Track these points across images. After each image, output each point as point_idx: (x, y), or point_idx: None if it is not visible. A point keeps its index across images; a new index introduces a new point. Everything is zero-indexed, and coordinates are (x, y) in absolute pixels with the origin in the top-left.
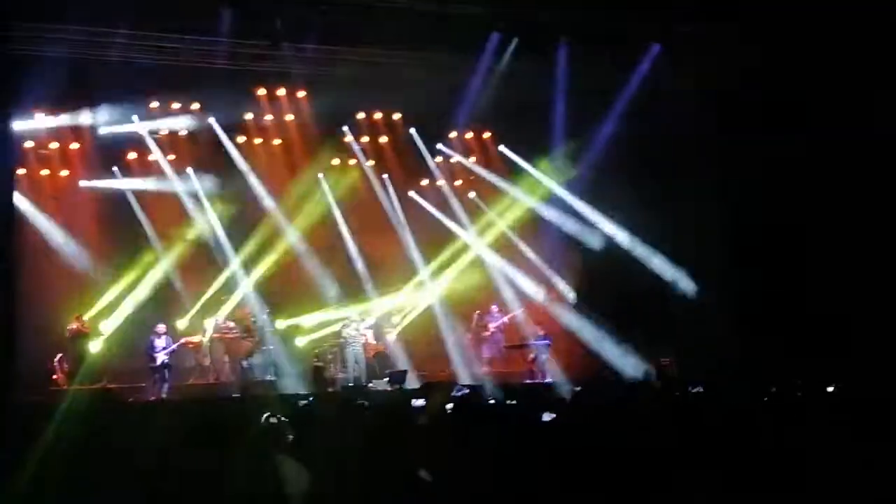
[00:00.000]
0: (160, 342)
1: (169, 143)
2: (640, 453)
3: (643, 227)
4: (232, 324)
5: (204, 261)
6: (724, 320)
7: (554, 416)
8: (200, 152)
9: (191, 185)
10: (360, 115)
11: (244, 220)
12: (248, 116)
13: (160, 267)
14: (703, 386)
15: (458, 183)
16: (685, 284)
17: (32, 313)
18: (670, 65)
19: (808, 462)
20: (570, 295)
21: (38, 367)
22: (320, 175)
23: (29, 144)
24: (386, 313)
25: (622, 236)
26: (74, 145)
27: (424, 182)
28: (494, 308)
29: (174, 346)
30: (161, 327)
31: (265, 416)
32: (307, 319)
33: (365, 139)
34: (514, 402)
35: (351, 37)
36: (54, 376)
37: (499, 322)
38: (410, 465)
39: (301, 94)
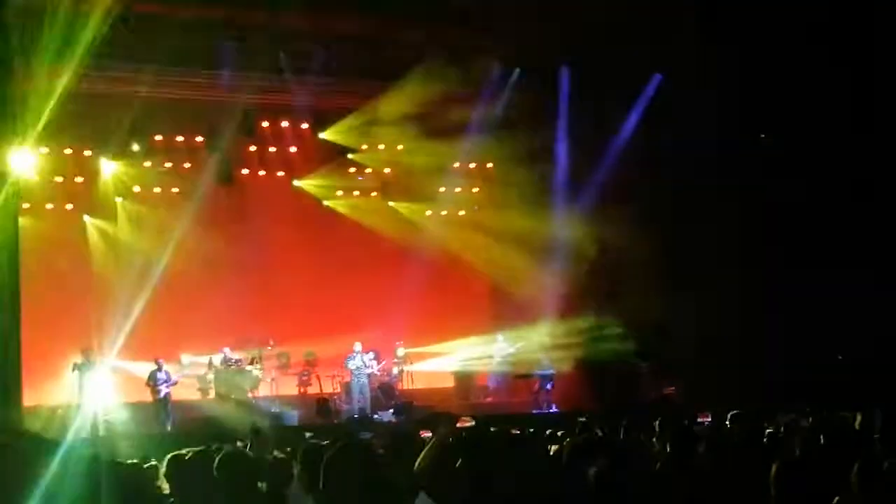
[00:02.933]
0: (161, 375)
1: (173, 176)
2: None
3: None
4: (238, 356)
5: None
6: (731, 346)
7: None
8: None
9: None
10: (364, 147)
11: (245, 248)
12: (252, 148)
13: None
14: (712, 415)
15: (461, 213)
16: None
17: (38, 344)
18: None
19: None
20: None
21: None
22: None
23: (33, 178)
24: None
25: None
26: (79, 179)
27: (428, 213)
28: (500, 337)
29: (176, 379)
30: (161, 360)
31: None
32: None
33: (368, 170)
34: (517, 431)
35: (356, 70)
36: (59, 410)
37: (505, 353)
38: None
39: (304, 126)
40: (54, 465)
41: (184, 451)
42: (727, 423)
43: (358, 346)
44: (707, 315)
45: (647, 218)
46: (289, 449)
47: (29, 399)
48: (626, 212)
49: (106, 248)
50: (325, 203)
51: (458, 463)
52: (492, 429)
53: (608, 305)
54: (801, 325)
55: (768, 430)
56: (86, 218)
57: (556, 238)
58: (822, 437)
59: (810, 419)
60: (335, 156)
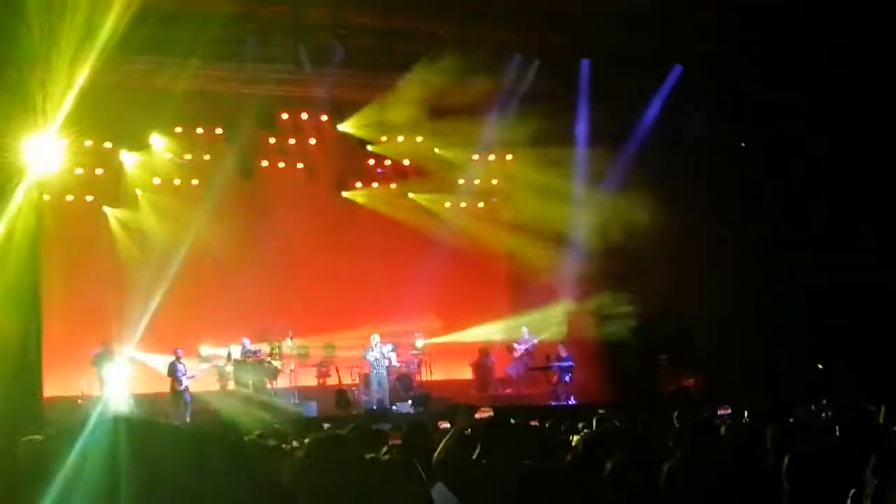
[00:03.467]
0: (181, 366)
1: (193, 168)
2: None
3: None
4: (257, 347)
5: (224, 283)
6: (751, 338)
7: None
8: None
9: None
10: (383, 138)
11: (265, 240)
12: (272, 140)
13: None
14: (731, 407)
15: (480, 205)
16: None
17: (59, 336)
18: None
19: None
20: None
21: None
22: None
23: (54, 170)
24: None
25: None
26: (99, 171)
27: (447, 204)
28: (525, 329)
29: (197, 371)
30: (180, 351)
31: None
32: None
33: (388, 162)
34: (535, 423)
35: (375, 62)
36: (79, 400)
37: (528, 344)
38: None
39: (324, 118)
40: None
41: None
42: (746, 415)
43: (376, 338)
44: (727, 306)
45: (668, 207)
46: (306, 440)
47: (49, 390)
48: (648, 199)
49: (126, 240)
50: (344, 194)
51: (477, 453)
52: (512, 420)
53: (626, 290)
54: (824, 319)
55: (787, 423)
56: (106, 209)
57: (576, 225)
58: (839, 429)
59: (830, 412)
60: (354, 147)
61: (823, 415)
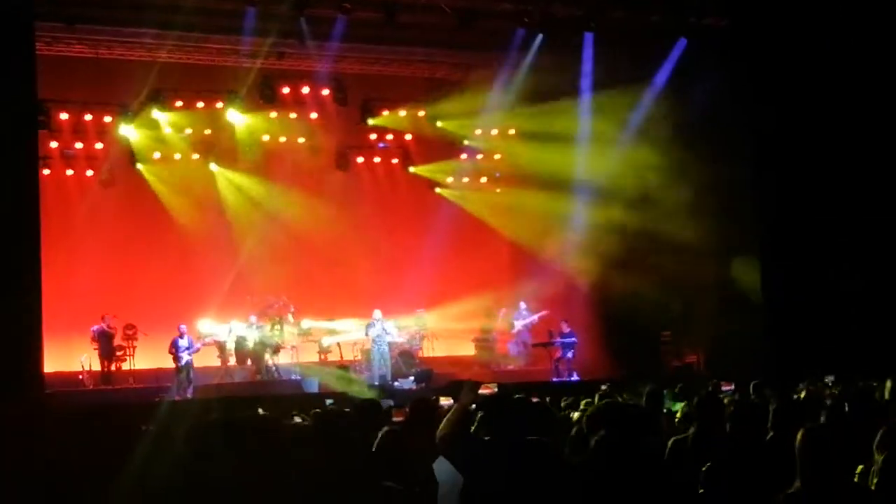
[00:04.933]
0: (183, 342)
1: (193, 142)
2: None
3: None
4: (258, 322)
5: (224, 259)
6: (754, 314)
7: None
8: (223, 151)
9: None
10: (385, 112)
11: (266, 218)
12: (273, 114)
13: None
14: (735, 384)
15: (483, 180)
16: None
17: (57, 313)
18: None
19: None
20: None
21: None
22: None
23: (53, 145)
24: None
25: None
26: (99, 145)
27: (450, 179)
28: (523, 305)
29: (198, 346)
30: (183, 327)
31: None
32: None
33: (390, 136)
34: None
35: (376, 36)
36: (80, 376)
37: (528, 320)
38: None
39: (325, 92)
40: None
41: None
42: (751, 391)
43: (378, 314)
44: (730, 283)
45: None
46: (314, 411)
47: (49, 366)
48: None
49: (126, 217)
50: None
51: (480, 428)
52: (516, 396)
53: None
54: (827, 294)
55: (793, 398)
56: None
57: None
58: (847, 405)
59: (836, 388)
60: (357, 122)
61: (828, 391)
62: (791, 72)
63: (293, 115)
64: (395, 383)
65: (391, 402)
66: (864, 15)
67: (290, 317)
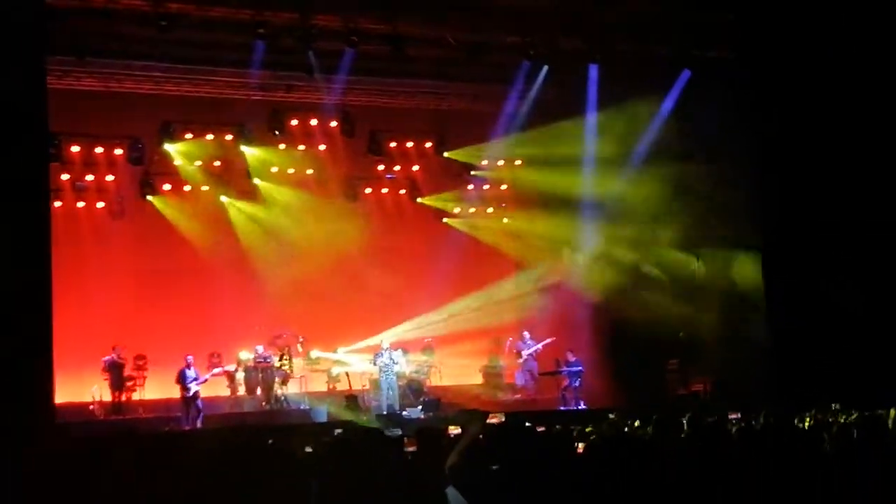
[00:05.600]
0: (190, 373)
1: (203, 173)
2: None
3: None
4: (267, 353)
5: (234, 289)
6: (760, 341)
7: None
8: (233, 182)
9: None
10: (392, 144)
11: (277, 248)
12: (281, 146)
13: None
14: (741, 412)
15: (489, 210)
16: None
17: (68, 344)
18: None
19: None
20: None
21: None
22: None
23: (65, 177)
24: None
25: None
26: (109, 177)
27: (457, 210)
28: (527, 335)
29: (207, 377)
30: (190, 358)
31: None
32: (341, 349)
33: (397, 168)
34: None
35: (383, 68)
36: (91, 406)
37: (532, 349)
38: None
39: (333, 124)
40: None
41: None
42: (756, 420)
43: (386, 343)
44: (734, 312)
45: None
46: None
47: (60, 397)
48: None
49: (136, 249)
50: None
51: (489, 458)
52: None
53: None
54: (831, 322)
55: (798, 427)
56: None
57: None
58: (854, 433)
59: (842, 417)
60: (365, 153)
61: (832, 419)
62: (794, 99)
63: (301, 147)
64: (403, 413)
65: (399, 432)
66: (868, 42)
67: (298, 347)
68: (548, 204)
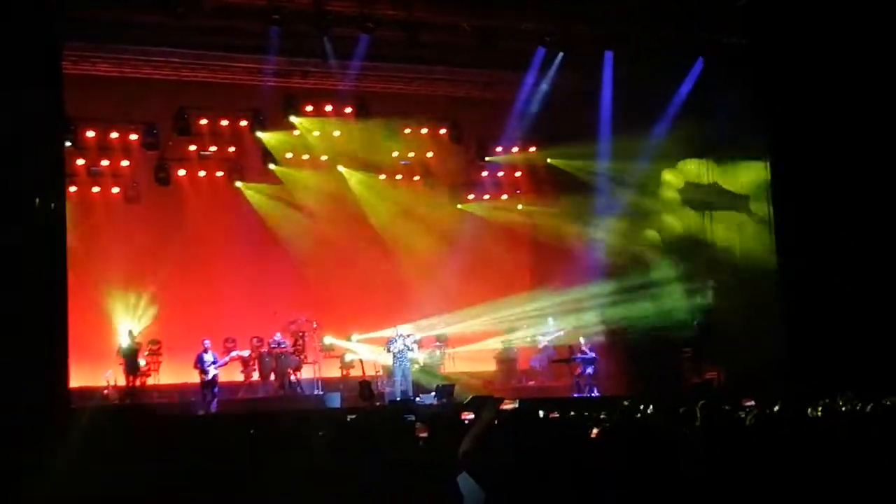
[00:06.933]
0: (208, 357)
1: (217, 159)
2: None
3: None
4: (282, 339)
5: (248, 275)
6: (773, 329)
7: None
8: (248, 168)
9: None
10: (407, 131)
11: (289, 234)
12: (296, 133)
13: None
14: (755, 400)
15: (504, 197)
16: None
17: (83, 327)
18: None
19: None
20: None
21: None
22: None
23: (80, 162)
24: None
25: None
26: (125, 163)
27: (471, 196)
28: (550, 321)
29: (224, 361)
30: (207, 342)
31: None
32: (355, 335)
33: (412, 154)
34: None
35: (399, 55)
36: (105, 391)
37: (554, 335)
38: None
39: (348, 110)
40: None
41: None
42: (771, 407)
43: (399, 330)
44: (750, 298)
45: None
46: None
47: (75, 381)
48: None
49: (149, 234)
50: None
51: (502, 445)
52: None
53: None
54: (846, 310)
55: (811, 415)
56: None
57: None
58: (868, 422)
59: (857, 405)
60: (378, 140)
61: (845, 408)
62: (810, 89)
63: (317, 133)
64: (417, 399)
65: (412, 418)
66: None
67: (313, 333)
68: (562, 193)
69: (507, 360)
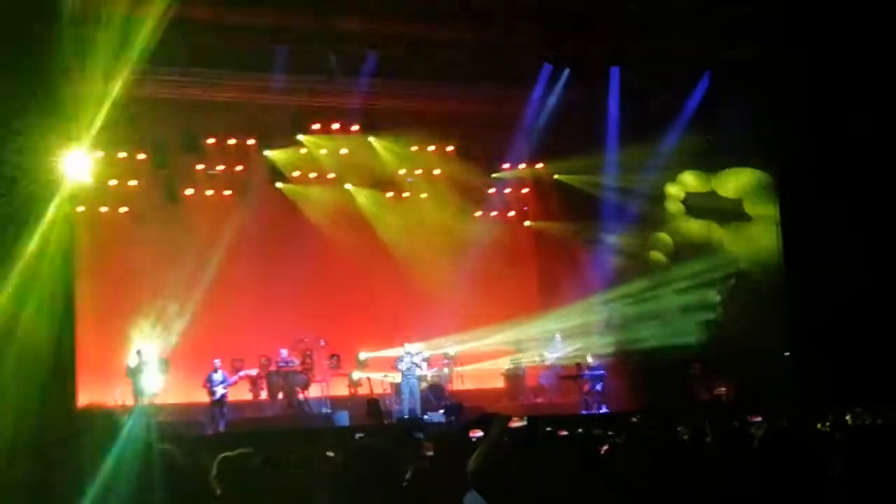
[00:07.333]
0: (217, 376)
1: (226, 179)
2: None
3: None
4: (290, 357)
5: (256, 293)
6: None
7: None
8: (256, 187)
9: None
10: (414, 148)
11: (296, 252)
12: (303, 151)
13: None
14: (763, 416)
15: (511, 214)
16: None
17: (91, 346)
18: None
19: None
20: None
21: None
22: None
23: (88, 182)
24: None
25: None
26: (133, 182)
27: (478, 213)
28: (557, 338)
29: (233, 380)
30: (217, 361)
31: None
32: (362, 353)
33: (419, 171)
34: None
35: (406, 72)
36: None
37: (562, 353)
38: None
39: (355, 127)
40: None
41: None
42: (779, 423)
43: (407, 347)
44: (759, 315)
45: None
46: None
47: (83, 399)
48: None
49: (156, 253)
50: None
51: (511, 462)
52: (548, 429)
53: None
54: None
55: (820, 430)
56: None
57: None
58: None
59: (865, 419)
60: (385, 158)
61: (856, 422)
62: (816, 101)
63: (324, 151)
64: (425, 416)
65: (420, 435)
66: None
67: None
68: (568, 208)
69: (515, 377)
